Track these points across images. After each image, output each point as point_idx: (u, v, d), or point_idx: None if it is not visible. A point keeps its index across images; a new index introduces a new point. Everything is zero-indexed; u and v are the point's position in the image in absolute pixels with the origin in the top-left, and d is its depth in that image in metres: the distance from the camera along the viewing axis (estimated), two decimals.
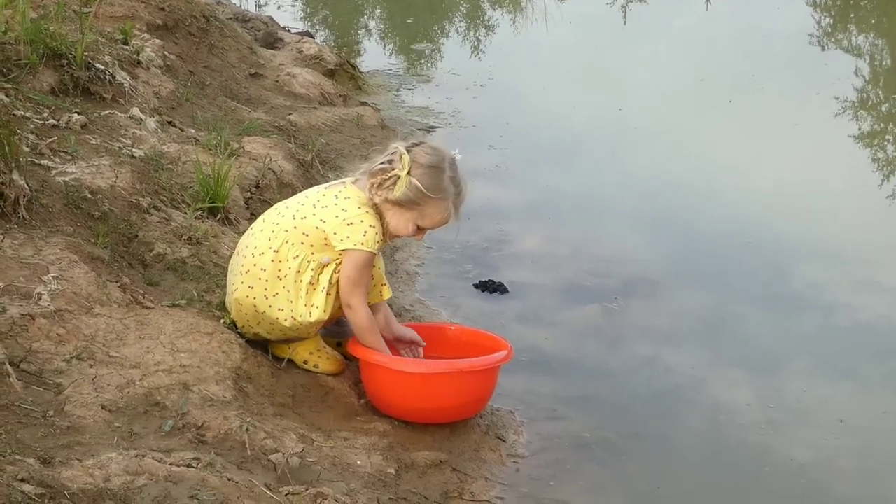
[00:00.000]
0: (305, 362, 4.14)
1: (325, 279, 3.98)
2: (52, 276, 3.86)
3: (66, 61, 5.53)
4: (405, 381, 3.98)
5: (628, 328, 5.14)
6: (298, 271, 3.99)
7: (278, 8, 12.09)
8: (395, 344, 4.29)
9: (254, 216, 5.15)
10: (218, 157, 5.41)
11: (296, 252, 3.99)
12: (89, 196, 4.53)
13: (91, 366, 3.58)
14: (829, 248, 6.11)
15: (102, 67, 5.73)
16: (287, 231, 4.01)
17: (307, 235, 3.98)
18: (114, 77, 5.77)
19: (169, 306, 4.08)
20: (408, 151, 3.96)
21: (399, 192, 3.92)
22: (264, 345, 4.17)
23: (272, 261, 4.01)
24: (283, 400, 3.91)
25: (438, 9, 12.69)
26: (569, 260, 5.84)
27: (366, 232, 3.92)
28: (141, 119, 5.60)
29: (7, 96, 4.94)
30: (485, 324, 4.89)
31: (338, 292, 4.00)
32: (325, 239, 3.95)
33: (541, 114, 8.39)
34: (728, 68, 9.95)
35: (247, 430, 3.47)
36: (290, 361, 4.15)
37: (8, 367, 3.39)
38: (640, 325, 5.16)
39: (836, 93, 9.01)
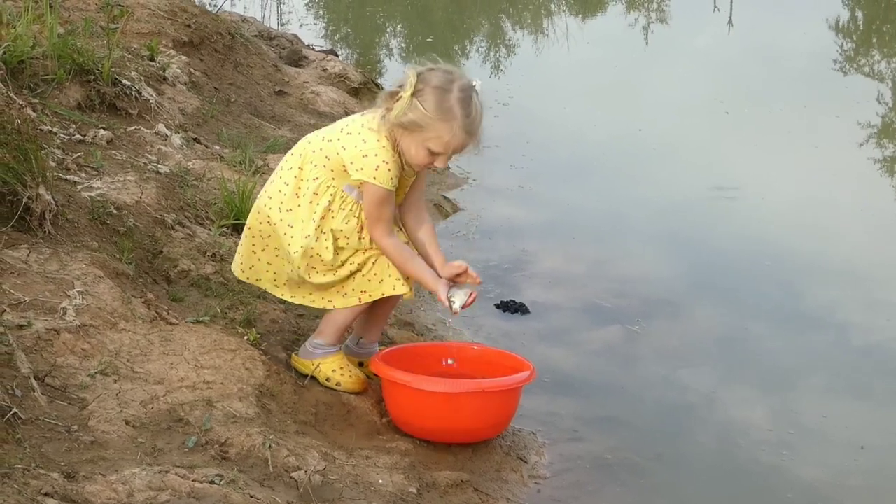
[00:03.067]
0: (328, 380, 4.13)
1: (340, 216, 3.95)
2: (77, 291, 3.88)
3: (92, 77, 5.57)
4: (427, 400, 3.98)
5: (649, 349, 5.13)
6: (316, 193, 3.95)
7: (301, 26, 12.16)
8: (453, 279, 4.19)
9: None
10: (243, 173, 5.43)
11: (316, 174, 3.96)
12: (115, 211, 4.55)
13: (115, 381, 3.59)
14: (845, 267, 6.13)
15: (129, 83, 5.77)
16: (314, 151, 3.98)
17: (329, 159, 3.94)
18: (140, 93, 5.81)
19: (193, 322, 4.09)
20: (420, 74, 3.86)
21: (397, 111, 3.81)
22: (287, 362, 4.18)
23: (295, 177, 3.99)
24: (305, 417, 3.91)
25: (460, 28, 12.74)
26: (590, 280, 5.85)
27: (378, 167, 3.85)
28: (166, 135, 5.63)
29: (34, 111, 4.97)
30: (507, 344, 4.90)
31: (348, 237, 3.96)
32: (344, 166, 3.90)
33: (561, 133, 8.43)
34: (747, 90, 9.97)
35: (269, 447, 3.48)
36: (313, 379, 4.15)
37: (33, 381, 3.40)
38: (660, 346, 5.16)
39: (856, 116, 9.02)
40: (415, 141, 3.85)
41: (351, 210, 3.96)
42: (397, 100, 3.83)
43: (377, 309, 4.23)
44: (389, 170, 3.87)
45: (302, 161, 4.00)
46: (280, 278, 4.12)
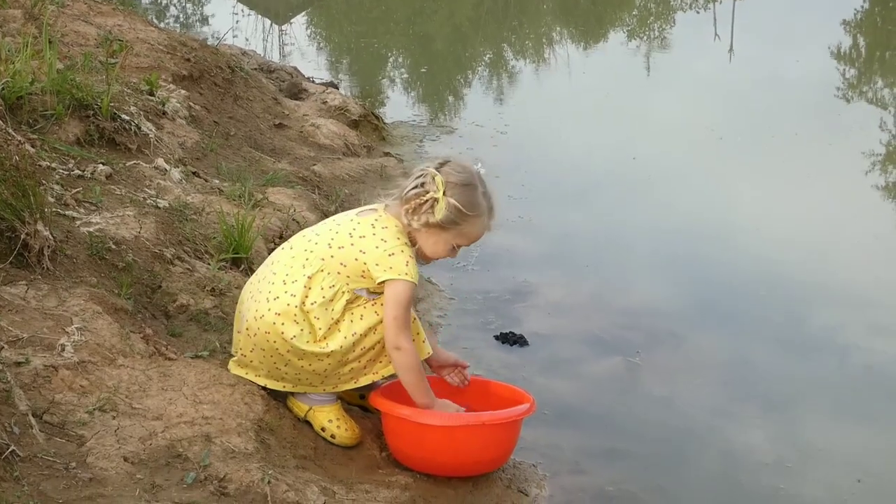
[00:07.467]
0: (323, 430, 4.03)
1: (357, 313, 3.93)
2: (76, 328, 3.88)
3: (91, 112, 5.56)
4: (427, 434, 3.97)
5: (650, 380, 5.12)
6: (331, 300, 3.91)
7: (302, 56, 12.19)
8: (440, 371, 4.32)
9: None
10: (242, 207, 5.43)
11: (332, 282, 3.91)
12: (113, 247, 4.55)
13: (113, 417, 3.58)
14: (845, 292, 6.16)
15: (128, 118, 5.77)
16: (323, 260, 3.92)
17: (345, 266, 3.91)
18: (139, 128, 5.81)
19: (191, 357, 4.08)
20: (441, 174, 3.92)
21: (440, 214, 3.87)
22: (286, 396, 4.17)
23: (304, 286, 3.92)
24: (305, 452, 3.90)
25: (462, 58, 12.77)
26: (589, 310, 5.84)
27: (407, 262, 3.87)
28: (166, 170, 5.63)
29: (33, 147, 4.98)
30: (507, 376, 4.89)
31: (363, 332, 3.92)
32: (364, 271, 3.89)
33: (559, 162, 8.44)
34: (746, 117, 10.00)
35: (269, 482, 3.47)
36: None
37: (31, 418, 3.40)
38: (661, 377, 5.15)
39: (857, 143, 9.06)
40: (443, 237, 3.95)
41: (366, 309, 3.95)
42: (426, 200, 3.89)
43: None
44: (415, 265, 3.92)
45: (311, 271, 3.92)
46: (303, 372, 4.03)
